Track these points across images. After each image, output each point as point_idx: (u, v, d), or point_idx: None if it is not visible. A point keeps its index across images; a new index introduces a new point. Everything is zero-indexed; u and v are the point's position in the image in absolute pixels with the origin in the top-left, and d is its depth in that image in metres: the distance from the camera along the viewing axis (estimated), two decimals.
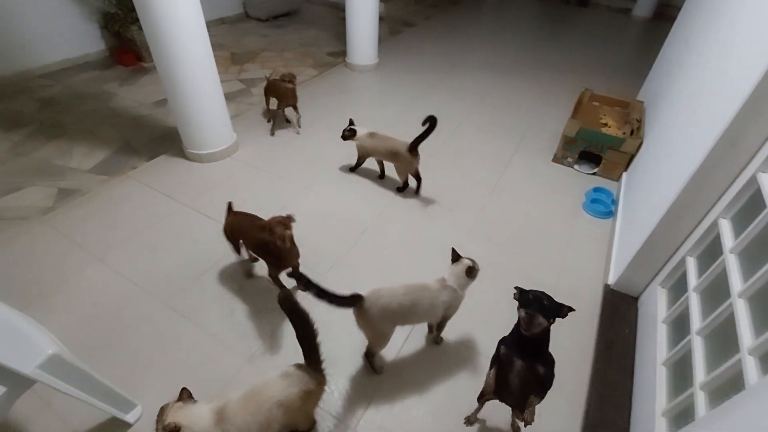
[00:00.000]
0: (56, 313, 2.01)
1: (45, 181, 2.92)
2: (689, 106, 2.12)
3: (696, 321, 1.44)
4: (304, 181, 2.98)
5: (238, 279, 2.25)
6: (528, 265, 2.40)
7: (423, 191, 2.91)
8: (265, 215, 2.57)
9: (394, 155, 2.77)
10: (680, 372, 1.44)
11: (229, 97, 4.12)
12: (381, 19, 4.42)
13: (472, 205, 2.82)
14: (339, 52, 5.33)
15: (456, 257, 1.76)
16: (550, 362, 1.33)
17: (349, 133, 2.85)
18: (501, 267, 2.38)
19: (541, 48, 5.76)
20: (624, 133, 3.01)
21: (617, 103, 3.52)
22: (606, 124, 3.19)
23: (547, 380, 1.30)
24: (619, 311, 2.08)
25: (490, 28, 6.52)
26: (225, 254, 2.37)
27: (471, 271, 1.70)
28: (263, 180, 2.97)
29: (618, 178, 3.13)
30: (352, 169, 3.09)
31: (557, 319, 1.28)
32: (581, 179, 3.16)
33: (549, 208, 2.85)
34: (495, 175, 3.12)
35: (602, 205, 2.85)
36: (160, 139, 3.45)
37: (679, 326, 1.60)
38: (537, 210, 2.82)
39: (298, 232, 2.46)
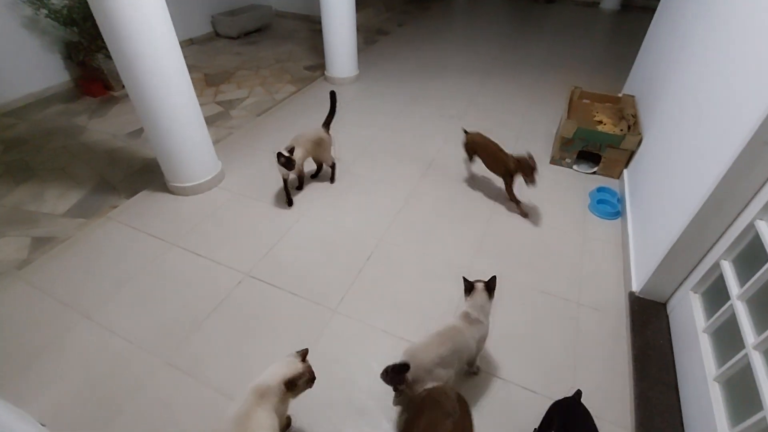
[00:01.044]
0: (40, 387, 1.80)
1: (16, 230, 2.68)
2: (698, 101, 2.06)
3: (749, 334, 1.35)
4: (298, 206, 2.82)
5: (243, 317, 2.07)
6: (545, 279, 2.30)
7: (425, 207, 2.79)
8: (263, 246, 2.46)
9: (318, 143, 2.85)
10: (741, 391, 1.35)
11: (208, 121, 3.88)
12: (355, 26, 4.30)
13: (477, 218, 2.71)
14: (316, 65, 5.19)
15: (470, 287, 1.69)
16: None
17: (287, 161, 2.54)
18: (518, 284, 2.27)
19: (517, 47, 5.75)
20: (621, 130, 2.97)
21: (608, 99, 3.49)
22: (601, 122, 3.14)
23: None
24: (650, 320, 2.00)
25: (464, 31, 6.49)
26: (225, 295, 2.19)
27: (490, 292, 1.66)
28: (255, 209, 2.80)
29: (619, 176, 3.08)
30: (299, 187, 3.01)
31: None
32: (582, 179, 3.10)
33: (555, 213, 2.77)
34: (491, 184, 3.03)
35: (609, 206, 2.79)
36: (140, 172, 3.24)
37: (727, 337, 1.51)
38: (544, 217, 2.73)
39: (300, 262, 2.30)
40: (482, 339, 1.66)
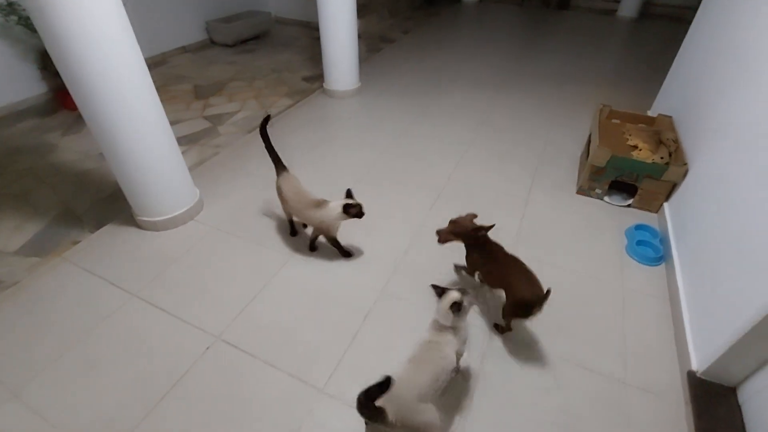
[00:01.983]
0: None
1: None
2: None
3: None
4: (287, 245, 2.41)
5: (208, 398, 1.67)
6: (583, 348, 1.88)
7: (437, 247, 2.38)
8: (241, 299, 2.08)
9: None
10: None
11: (192, 138, 3.56)
12: (358, 36, 3.92)
13: None
14: (315, 76, 4.82)
15: (441, 292, 1.54)
16: None
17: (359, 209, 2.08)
18: (553, 358, 1.85)
19: (531, 57, 5.35)
20: (662, 158, 2.55)
21: (641, 119, 3.07)
22: (636, 147, 2.73)
23: None
24: (717, 411, 1.57)
25: (473, 39, 6.10)
26: (189, 365, 1.79)
27: (457, 307, 1.46)
28: (235, 248, 2.40)
29: (658, 210, 2.66)
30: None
31: None
32: (615, 213, 2.68)
33: (588, 257, 2.35)
34: (515, 217, 2.62)
35: (651, 249, 2.36)
36: (109, 199, 2.85)
37: None
38: (575, 262, 2.31)
39: (283, 321, 1.89)
40: (462, 343, 1.54)
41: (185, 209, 2.51)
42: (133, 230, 2.52)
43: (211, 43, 5.85)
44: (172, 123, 3.87)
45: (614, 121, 3.07)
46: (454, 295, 1.49)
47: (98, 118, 2.02)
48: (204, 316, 1.99)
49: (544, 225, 2.57)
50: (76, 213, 2.75)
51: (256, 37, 6.07)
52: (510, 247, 2.37)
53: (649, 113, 3.69)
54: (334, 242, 2.27)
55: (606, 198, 2.77)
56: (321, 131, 3.63)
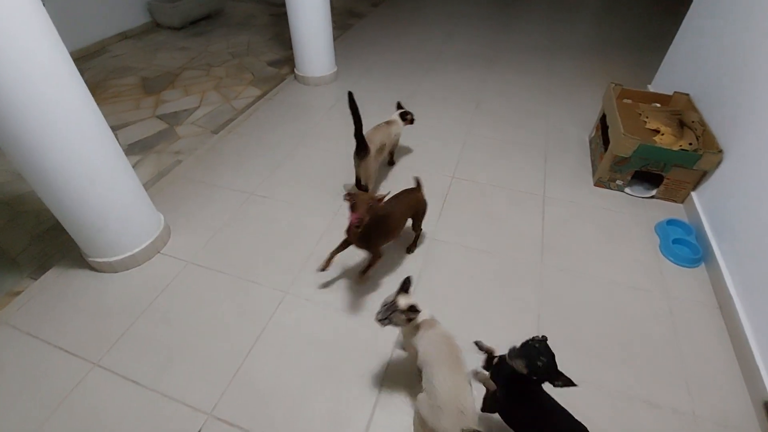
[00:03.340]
0: None
1: None
2: None
3: None
4: (277, 279, 2.02)
5: None
6: (643, 381, 1.64)
7: (447, 268, 2.06)
8: (231, 357, 1.63)
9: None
10: None
11: (146, 144, 3.03)
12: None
13: (527, 279, 2.01)
14: (283, 59, 4.28)
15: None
16: None
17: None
18: (607, 390, 1.60)
19: (516, 27, 4.99)
20: (690, 144, 2.30)
21: (655, 98, 2.81)
22: (657, 131, 2.47)
23: None
24: None
25: (449, 9, 5.65)
26: None
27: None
28: (218, 287, 1.98)
29: (684, 200, 2.45)
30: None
31: None
32: (639, 206, 2.44)
33: (623, 262, 2.10)
34: (536, 219, 2.33)
35: (688, 247, 2.14)
36: (52, 231, 2.34)
37: None
38: (610, 271, 2.06)
39: (286, 383, 1.49)
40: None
41: (148, 242, 2.05)
42: (86, 273, 2.05)
43: (156, 26, 5.12)
44: (119, 127, 3.34)
45: (626, 101, 2.80)
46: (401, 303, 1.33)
47: (12, 142, 1.52)
48: (189, 386, 1.60)
49: (568, 226, 2.29)
50: (9, 254, 2.23)
51: (206, 17, 5.37)
52: (538, 259, 2.11)
53: (650, 87, 3.46)
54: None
55: (627, 189, 2.52)
56: (301, 124, 3.17)
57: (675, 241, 2.16)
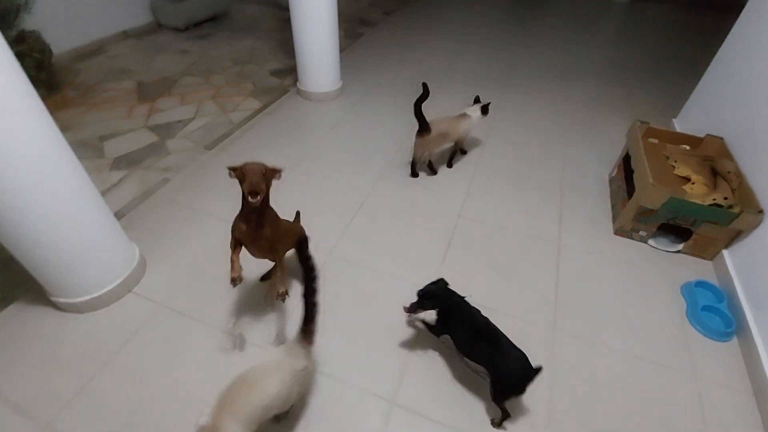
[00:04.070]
0: None
1: None
2: None
3: None
4: (269, 326, 1.81)
5: None
6: None
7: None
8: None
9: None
10: None
11: (134, 159, 2.83)
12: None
13: (538, 346, 1.77)
14: (286, 69, 4.08)
15: None
16: None
17: None
18: None
19: (528, 45, 4.77)
20: (726, 199, 2.08)
21: (684, 139, 2.59)
22: (689, 179, 2.25)
23: None
24: None
25: (462, 21, 5.44)
26: None
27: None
28: (191, 337, 1.77)
29: (712, 258, 2.22)
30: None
31: None
32: (662, 261, 2.22)
33: (645, 330, 1.88)
34: (549, 275, 2.10)
35: (719, 317, 1.92)
36: (8, 261, 2.13)
37: None
38: (632, 341, 1.83)
39: None
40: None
41: (119, 281, 1.85)
42: (49, 312, 1.84)
43: (158, 26, 4.93)
44: (108, 137, 3.12)
45: (651, 140, 2.58)
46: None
47: None
48: None
49: (584, 283, 2.07)
50: None
51: (212, 19, 5.19)
52: (551, 321, 1.89)
53: (675, 122, 3.24)
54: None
55: (651, 241, 2.30)
56: (300, 145, 2.96)
57: (704, 308, 1.93)
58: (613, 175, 2.70)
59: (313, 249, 1.39)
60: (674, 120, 3.27)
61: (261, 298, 1.92)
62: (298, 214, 2.08)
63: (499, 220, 2.40)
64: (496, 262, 2.15)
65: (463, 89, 3.76)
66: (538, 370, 1.35)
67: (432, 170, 2.74)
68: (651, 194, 2.06)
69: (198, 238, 2.21)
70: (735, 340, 1.87)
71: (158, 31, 4.86)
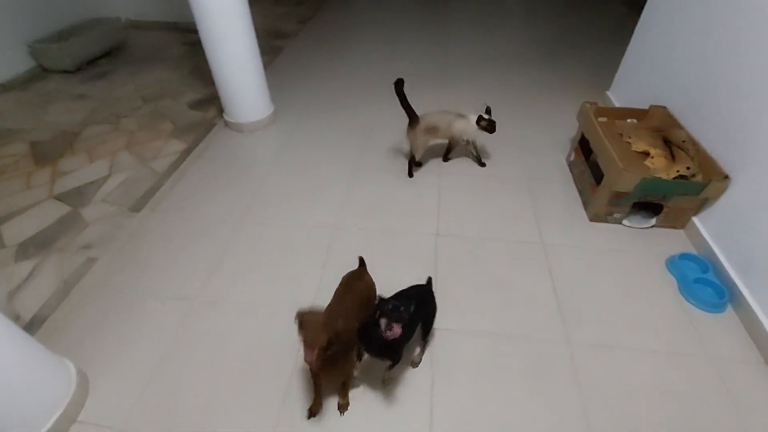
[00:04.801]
0: None
1: None
2: None
3: None
4: None
5: None
6: None
7: (470, 368, 1.68)
8: None
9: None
10: None
11: (43, 241, 2.37)
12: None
13: (559, 367, 1.66)
14: (207, 99, 3.69)
15: None
16: None
17: None
18: None
19: (455, 36, 4.74)
20: (688, 169, 2.09)
21: (630, 113, 2.61)
22: (647, 153, 2.26)
23: None
24: None
25: (383, 23, 5.29)
26: None
27: None
28: None
29: (684, 226, 2.26)
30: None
31: None
32: (641, 238, 2.23)
33: (651, 320, 1.84)
34: (544, 281, 2.00)
35: (712, 288, 1.92)
36: None
37: None
38: (639, 333, 1.78)
39: None
40: None
41: (57, 415, 1.46)
42: None
43: (43, 71, 4.26)
44: (5, 218, 2.51)
45: (601, 119, 2.58)
46: None
47: None
48: None
49: (580, 281, 2.00)
50: None
51: (107, 54, 4.58)
52: (562, 334, 1.78)
53: (610, 95, 3.31)
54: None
55: (625, 221, 2.29)
56: (242, 189, 2.63)
57: (697, 281, 1.93)
58: (572, 159, 2.69)
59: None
60: (608, 92, 3.35)
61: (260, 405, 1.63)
62: (361, 261, 1.69)
63: (478, 231, 2.27)
64: (490, 278, 2.01)
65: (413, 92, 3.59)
66: (429, 281, 1.64)
67: (415, 164, 2.67)
68: (625, 179, 2.02)
69: (144, 329, 1.84)
70: (730, 308, 1.88)
71: (45, 77, 4.19)
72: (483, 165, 2.74)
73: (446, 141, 2.68)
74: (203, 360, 1.73)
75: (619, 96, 3.21)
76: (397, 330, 1.21)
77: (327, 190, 2.57)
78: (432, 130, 2.49)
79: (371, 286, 1.62)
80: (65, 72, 4.22)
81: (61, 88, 3.99)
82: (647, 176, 2.00)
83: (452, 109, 2.57)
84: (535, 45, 4.45)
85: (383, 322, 1.23)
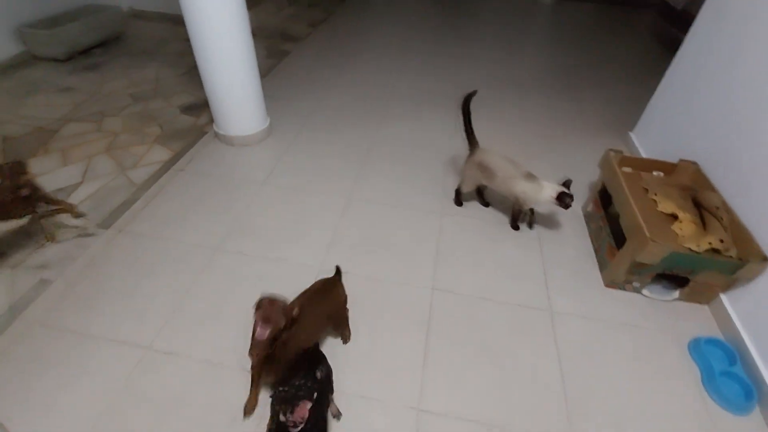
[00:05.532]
0: None
1: None
2: None
3: None
4: None
5: None
6: None
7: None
8: None
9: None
10: None
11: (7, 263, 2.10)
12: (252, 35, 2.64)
13: None
14: (201, 103, 3.45)
15: None
16: None
17: None
18: None
19: (469, 56, 4.50)
20: (722, 241, 1.85)
21: (656, 165, 2.37)
22: (674, 216, 2.01)
23: None
24: None
25: (397, 34, 5.06)
26: None
27: None
28: None
29: (709, 302, 2.02)
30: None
31: None
32: (661, 312, 1.99)
33: (667, 414, 1.60)
34: (550, 356, 1.76)
35: (739, 385, 1.69)
36: None
37: None
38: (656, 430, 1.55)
39: None
40: None
41: None
42: None
43: (33, 58, 4.02)
44: None
45: (625, 169, 2.34)
46: None
47: None
48: None
49: (590, 362, 1.76)
50: None
51: (102, 44, 4.34)
52: (563, 424, 1.54)
53: (633, 137, 3.08)
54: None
55: (645, 291, 2.05)
56: (224, 214, 2.38)
57: (723, 373, 1.69)
58: (589, 210, 2.45)
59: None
60: (631, 133, 3.12)
61: None
62: (338, 270, 1.73)
63: (479, 291, 2.01)
64: (488, 348, 1.77)
65: (410, 113, 3.36)
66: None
67: (482, 201, 2.50)
68: (650, 250, 1.78)
69: (86, 379, 1.59)
70: (757, 410, 1.64)
71: (32, 64, 3.95)
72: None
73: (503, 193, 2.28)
74: (151, 422, 1.48)
75: (642, 139, 2.98)
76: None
77: (317, 222, 2.33)
78: (485, 170, 2.19)
79: (344, 299, 1.65)
80: (55, 60, 3.97)
81: (48, 78, 3.75)
82: (677, 251, 1.76)
83: (520, 163, 2.19)
84: (557, 73, 4.21)
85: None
